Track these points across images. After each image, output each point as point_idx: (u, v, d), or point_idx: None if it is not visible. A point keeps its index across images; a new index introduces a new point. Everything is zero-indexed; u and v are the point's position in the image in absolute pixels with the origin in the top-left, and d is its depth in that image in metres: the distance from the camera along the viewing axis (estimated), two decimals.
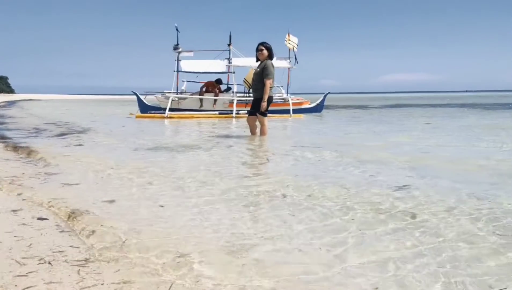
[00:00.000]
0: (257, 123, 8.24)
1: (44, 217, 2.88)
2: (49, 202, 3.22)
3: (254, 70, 8.05)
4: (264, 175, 4.34)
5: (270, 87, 7.85)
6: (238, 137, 8.26)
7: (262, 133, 8.18)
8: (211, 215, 2.90)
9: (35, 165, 4.97)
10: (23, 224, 2.71)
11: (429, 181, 3.99)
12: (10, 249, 2.25)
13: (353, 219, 2.80)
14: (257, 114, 8.05)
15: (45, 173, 4.43)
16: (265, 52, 7.84)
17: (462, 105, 25.48)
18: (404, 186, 3.74)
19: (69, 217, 2.84)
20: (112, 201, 3.26)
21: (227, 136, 8.51)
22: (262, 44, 7.85)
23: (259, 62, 7.98)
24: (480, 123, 11.45)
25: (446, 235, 2.48)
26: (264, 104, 7.87)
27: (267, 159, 5.50)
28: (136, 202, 3.25)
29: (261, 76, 7.79)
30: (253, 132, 8.39)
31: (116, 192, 3.57)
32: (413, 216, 2.85)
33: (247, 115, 14.92)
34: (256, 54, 7.91)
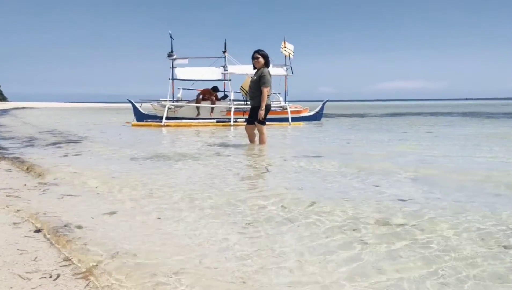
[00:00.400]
0: (256, 131, 8.24)
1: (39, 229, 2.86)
2: (44, 214, 3.19)
3: (251, 78, 8.06)
4: (264, 188, 4.25)
5: (268, 95, 7.87)
6: (237, 146, 8.25)
7: (261, 142, 8.18)
8: (208, 235, 2.78)
9: (32, 176, 4.94)
10: (25, 236, 2.68)
11: (434, 193, 3.96)
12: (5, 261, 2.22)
13: (361, 237, 2.74)
14: (255, 123, 8.05)
15: (42, 184, 4.41)
16: (261, 60, 7.87)
17: (464, 114, 25.53)
18: (409, 199, 3.72)
19: (60, 230, 2.81)
20: (112, 213, 3.24)
21: (226, 145, 8.49)
22: (258, 52, 7.87)
23: (255, 70, 8.00)
24: (483, 132, 11.44)
25: (457, 252, 2.43)
26: (262, 113, 7.88)
27: (267, 169, 5.46)
28: (130, 218, 3.21)
29: (258, 84, 7.81)
30: (252, 140, 8.39)
31: (112, 205, 3.54)
32: (422, 231, 2.80)
33: (245, 123, 15.02)
34: (253, 62, 7.93)
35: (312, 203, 3.52)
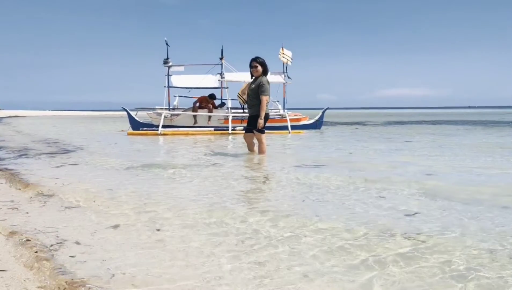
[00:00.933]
0: (255, 140, 8.24)
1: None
2: (41, 230, 3.17)
3: (249, 86, 8.05)
4: (267, 204, 4.16)
5: (266, 104, 7.90)
6: (236, 155, 8.24)
7: (261, 151, 8.17)
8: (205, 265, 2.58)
9: (29, 189, 4.89)
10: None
11: (442, 208, 3.93)
12: None
13: (373, 258, 2.67)
14: (254, 131, 8.05)
15: (39, 197, 4.39)
16: (260, 68, 7.88)
17: (467, 122, 25.56)
18: (416, 213, 3.70)
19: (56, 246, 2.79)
20: (110, 228, 3.22)
21: (224, 155, 8.48)
22: (255, 60, 7.87)
23: (253, 78, 7.99)
24: (487, 141, 11.42)
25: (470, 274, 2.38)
26: (261, 122, 7.89)
27: (267, 180, 5.45)
28: (126, 235, 3.19)
29: (257, 93, 7.83)
30: (251, 149, 8.39)
31: (108, 221, 3.52)
32: (431, 251, 2.73)
33: (242, 130, 15.05)
34: (251, 71, 7.93)
35: (316, 222, 3.42)
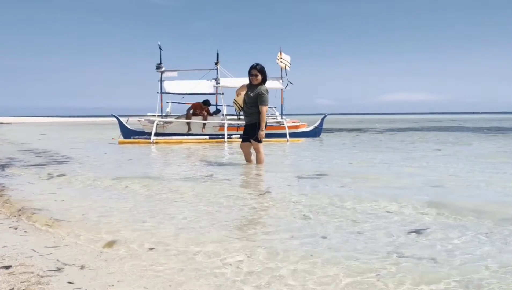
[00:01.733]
0: (252, 150, 8.21)
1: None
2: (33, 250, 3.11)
3: (246, 93, 8.00)
4: (266, 225, 4.05)
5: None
6: (232, 166, 8.20)
7: (258, 161, 8.15)
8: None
9: (16, 207, 4.81)
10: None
11: (452, 224, 3.91)
12: None
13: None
14: (251, 141, 8.02)
15: (19, 217, 4.32)
16: (260, 77, 7.85)
17: (471, 129, 25.60)
18: (424, 229, 3.67)
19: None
20: (103, 253, 3.15)
21: (220, 165, 8.44)
22: (255, 67, 7.83)
23: (251, 85, 7.95)
24: (494, 151, 11.41)
25: None
26: (262, 133, 7.88)
27: (265, 198, 5.39)
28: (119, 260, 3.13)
29: (255, 101, 7.80)
30: (248, 159, 8.35)
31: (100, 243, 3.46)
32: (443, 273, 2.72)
33: (239, 138, 15.00)
34: (250, 79, 7.89)
35: (332, 246, 3.40)
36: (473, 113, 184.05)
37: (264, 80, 7.92)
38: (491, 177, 6.77)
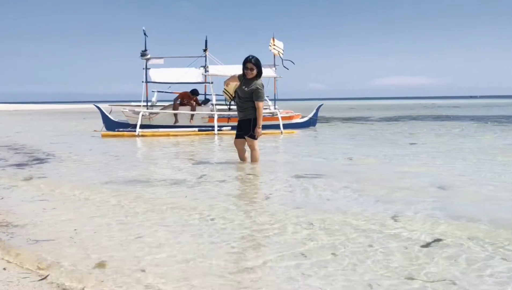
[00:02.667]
0: (246, 146, 8.17)
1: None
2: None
3: (240, 87, 7.93)
4: (268, 240, 4.04)
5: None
6: (225, 164, 8.15)
7: (253, 159, 8.11)
8: None
9: None
10: None
11: (465, 234, 3.90)
12: None
13: None
14: (246, 137, 7.98)
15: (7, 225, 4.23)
16: (255, 71, 7.77)
17: (472, 118, 25.68)
18: (436, 240, 3.66)
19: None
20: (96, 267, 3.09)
21: (212, 163, 8.39)
22: (250, 61, 7.74)
23: (244, 79, 7.87)
24: (502, 145, 11.41)
25: None
26: (259, 131, 7.84)
27: (267, 197, 5.38)
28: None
29: (250, 96, 7.75)
30: (242, 157, 8.31)
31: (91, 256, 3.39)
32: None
33: (230, 130, 14.97)
34: (244, 72, 7.81)
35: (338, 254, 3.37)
36: (471, 97, 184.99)
37: (259, 74, 7.86)
38: (502, 177, 6.72)
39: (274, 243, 3.68)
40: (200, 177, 6.88)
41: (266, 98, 17.99)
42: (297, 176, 6.79)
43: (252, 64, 7.73)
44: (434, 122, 22.72)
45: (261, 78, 7.95)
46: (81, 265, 3.16)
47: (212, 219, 4.41)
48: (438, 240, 3.68)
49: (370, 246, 3.56)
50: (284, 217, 4.45)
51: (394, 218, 4.39)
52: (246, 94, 7.79)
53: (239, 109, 8.06)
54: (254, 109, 7.82)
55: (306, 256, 3.33)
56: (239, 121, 8.15)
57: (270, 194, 5.65)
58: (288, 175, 6.89)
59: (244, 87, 7.83)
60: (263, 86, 7.89)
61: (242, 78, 7.92)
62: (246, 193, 5.88)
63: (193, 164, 8.36)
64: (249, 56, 7.81)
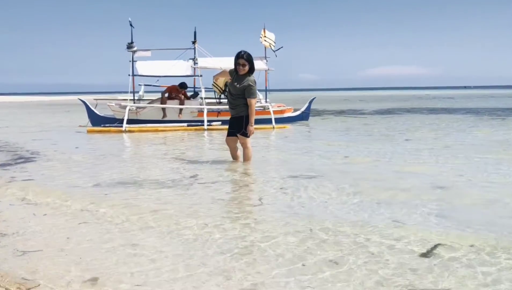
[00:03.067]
0: (238, 144, 8.13)
1: None
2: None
3: (232, 83, 7.87)
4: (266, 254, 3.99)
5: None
6: (217, 164, 8.10)
7: (246, 158, 8.08)
8: None
9: None
10: None
11: (468, 242, 3.87)
12: None
13: None
14: (238, 135, 7.93)
15: None
16: (247, 67, 7.70)
17: (469, 111, 25.76)
18: (437, 245, 3.65)
19: None
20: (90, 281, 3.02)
21: (203, 162, 8.32)
22: (242, 56, 7.65)
23: (236, 75, 7.81)
24: (500, 139, 11.46)
25: None
26: (252, 129, 7.79)
27: (261, 202, 5.34)
28: None
29: (242, 93, 7.69)
30: (234, 156, 8.27)
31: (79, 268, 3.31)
32: None
33: (220, 125, 14.91)
34: (236, 68, 7.74)
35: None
36: (465, 87, 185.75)
37: (251, 70, 7.80)
38: (507, 178, 6.70)
39: (272, 256, 3.59)
40: (192, 178, 6.84)
41: (257, 91, 17.94)
42: (292, 177, 6.76)
43: (244, 60, 7.66)
44: (429, 115, 22.75)
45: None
46: (71, 282, 3.10)
47: (205, 228, 4.32)
48: (439, 248, 3.66)
49: (371, 256, 3.54)
50: (280, 227, 4.36)
51: (395, 225, 4.37)
52: (238, 91, 7.73)
53: (230, 106, 8.00)
54: (247, 106, 7.76)
55: (304, 270, 3.30)
56: (231, 119, 8.09)
57: (265, 199, 5.56)
58: (283, 176, 6.84)
59: (236, 83, 7.76)
60: (255, 82, 7.84)
61: (234, 74, 7.85)
62: (240, 198, 5.76)
63: (184, 163, 8.29)
64: (241, 52, 7.74)
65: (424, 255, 3.55)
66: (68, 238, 4.03)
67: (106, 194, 5.83)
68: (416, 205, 5.08)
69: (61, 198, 5.62)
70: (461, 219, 4.53)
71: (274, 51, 17.56)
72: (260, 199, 5.54)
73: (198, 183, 6.52)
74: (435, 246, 3.72)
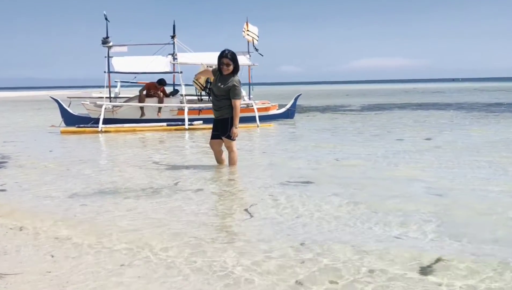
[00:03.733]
0: (223, 147, 8.07)
1: None
2: None
3: (215, 84, 7.81)
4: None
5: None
6: (201, 168, 8.05)
7: (231, 162, 8.04)
8: None
9: None
10: None
11: (469, 250, 3.89)
12: None
13: None
14: (223, 138, 7.87)
15: None
16: (231, 66, 7.63)
17: (460, 106, 25.93)
18: (438, 260, 3.65)
19: None
20: None
21: (185, 167, 8.23)
22: (226, 56, 7.56)
23: (219, 75, 7.75)
24: (492, 139, 11.47)
25: None
26: (236, 131, 7.72)
27: (251, 216, 5.23)
28: None
29: (227, 94, 7.63)
30: (219, 159, 8.21)
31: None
32: None
33: (201, 123, 14.83)
34: (220, 68, 7.67)
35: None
36: (453, 80, 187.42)
37: (236, 70, 7.74)
38: (508, 183, 6.69)
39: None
40: (175, 185, 6.76)
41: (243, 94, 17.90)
42: (282, 184, 6.69)
43: (229, 60, 7.59)
44: (419, 111, 22.88)
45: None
46: None
47: (183, 252, 4.04)
48: (437, 264, 3.65)
49: (370, 272, 3.53)
50: (272, 246, 4.19)
51: (392, 238, 4.36)
52: (222, 92, 7.66)
53: (214, 108, 7.93)
54: (231, 107, 7.70)
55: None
56: (214, 121, 8.02)
57: (254, 211, 5.40)
58: (272, 183, 6.79)
59: (220, 84, 7.69)
60: (240, 82, 7.79)
61: (218, 74, 7.79)
62: (226, 211, 5.54)
63: (165, 168, 8.18)
64: (225, 51, 7.67)
65: (423, 273, 3.52)
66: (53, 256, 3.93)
67: (84, 205, 5.70)
68: (413, 217, 5.02)
69: (37, 211, 5.48)
70: (459, 233, 4.50)
71: (259, 52, 17.48)
72: (249, 212, 5.39)
73: (181, 190, 6.47)
74: (433, 264, 3.69)
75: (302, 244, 4.18)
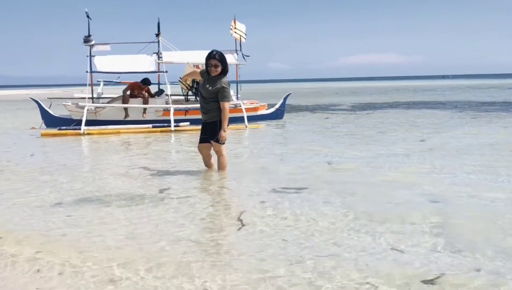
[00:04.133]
0: (212, 151, 8.00)
1: None
2: None
3: (203, 86, 7.73)
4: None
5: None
6: (190, 173, 7.98)
7: (221, 167, 7.96)
8: None
9: None
10: None
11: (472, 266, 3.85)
12: None
13: None
14: (212, 142, 7.79)
15: None
16: (220, 68, 7.55)
17: (454, 106, 25.93)
18: (440, 275, 3.60)
19: None
20: None
21: (171, 173, 8.11)
22: (214, 57, 7.47)
23: (207, 76, 7.68)
24: (485, 141, 11.42)
25: None
26: (224, 135, 7.63)
27: (243, 226, 5.12)
28: None
29: (215, 96, 7.55)
30: (207, 164, 8.14)
31: None
32: None
33: (187, 125, 14.74)
34: (207, 69, 7.60)
35: None
36: (443, 77, 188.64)
37: (224, 71, 7.67)
38: (506, 187, 6.69)
39: None
40: (161, 192, 6.66)
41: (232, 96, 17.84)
42: (274, 191, 6.61)
43: (217, 61, 7.51)
44: (411, 111, 22.94)
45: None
46: None
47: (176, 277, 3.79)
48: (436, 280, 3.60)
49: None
50: (264, 260, 4.11)
51: (391, 248, 4.31)
52: (211, 94, 7.58)
53: (202, 111, 7.85)
54: (220, 110, 7.63)
55: None
56: (203, 124, 7.94)
57: (246, 221, 5.28)
58: (263, 189, 6.70)
59: (208, 86, 7.60)
60: (229, 84, 7.72)
61: (206, 76, 7.71)
62: (216, 222, 5.44)
63: (151, 174, 8.07)
64: (213, 51, 7.59)
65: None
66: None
67: (69, 216, 5.56)
68: (412, 227, 4.97)
69: (23, 224, 5.35)
70: (460, 247, 4.41)
71: (243, 54, 17.46)
72: (242, 222, 5.27)
73: (168, 197, 6.40)
74: (433, 278, 3.64)
75: (294, 256, 4.12)
